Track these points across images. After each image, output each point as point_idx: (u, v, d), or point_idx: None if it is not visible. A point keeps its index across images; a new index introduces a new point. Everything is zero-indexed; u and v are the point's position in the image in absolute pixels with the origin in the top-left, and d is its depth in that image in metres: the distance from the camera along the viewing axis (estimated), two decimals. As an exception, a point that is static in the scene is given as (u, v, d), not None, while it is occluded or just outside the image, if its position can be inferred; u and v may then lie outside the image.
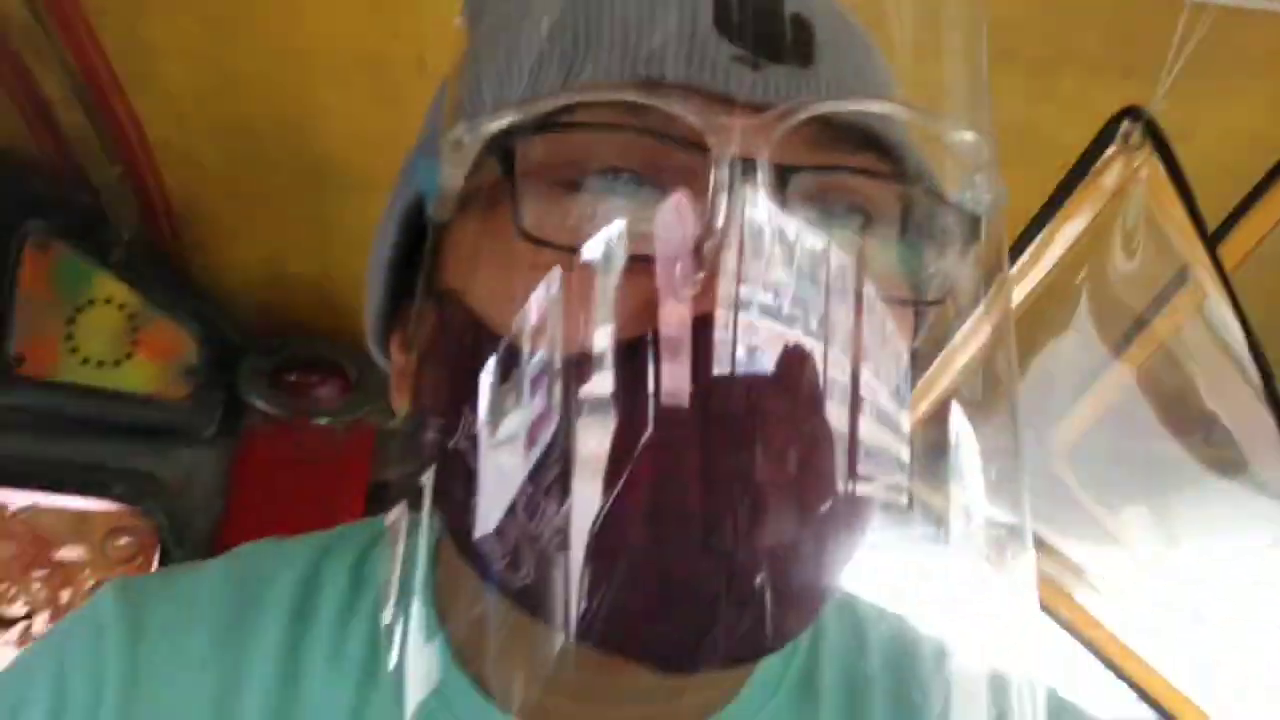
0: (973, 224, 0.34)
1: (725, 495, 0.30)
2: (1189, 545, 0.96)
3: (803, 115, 0.30)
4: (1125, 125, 0.77)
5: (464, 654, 0.41)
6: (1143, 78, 0.77)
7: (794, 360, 0.29)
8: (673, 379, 0.29)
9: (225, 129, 0.97)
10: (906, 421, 0.32)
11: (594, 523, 0.29)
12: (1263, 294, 0.85)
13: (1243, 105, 0.92)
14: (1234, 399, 0.88)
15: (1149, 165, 0.78)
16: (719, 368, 0.29)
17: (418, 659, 0.36)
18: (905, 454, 0.32)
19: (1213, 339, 0.88)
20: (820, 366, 0.30)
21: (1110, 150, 0.79)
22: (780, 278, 0.29)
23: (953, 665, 0.41)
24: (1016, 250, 0.88)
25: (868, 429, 0.31)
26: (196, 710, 0.41)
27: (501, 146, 0.32)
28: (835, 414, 0.30)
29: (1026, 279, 0.89)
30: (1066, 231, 0.85)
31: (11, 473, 1.09)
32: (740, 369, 0.29)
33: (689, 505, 0.30)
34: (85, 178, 1.01)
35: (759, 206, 0.29)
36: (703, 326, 0.29)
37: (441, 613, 0.41)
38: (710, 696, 0.41)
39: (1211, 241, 0.83)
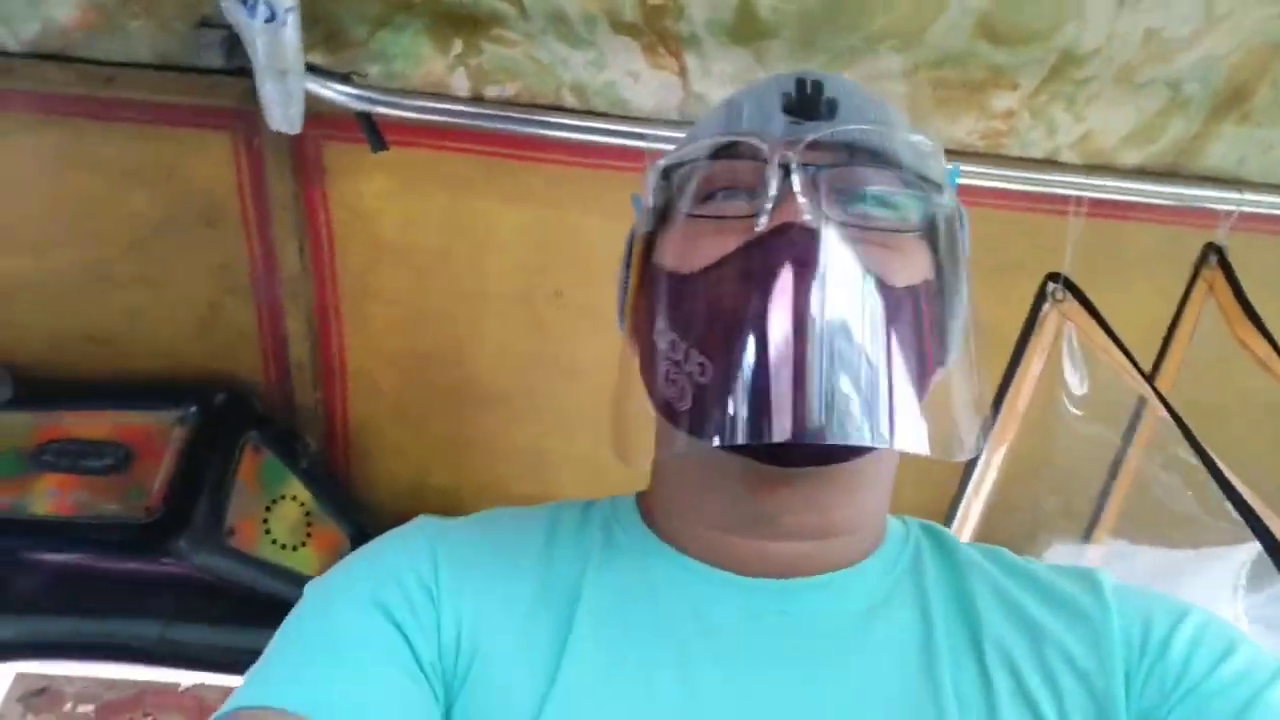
0: (934, 190, 0.57)
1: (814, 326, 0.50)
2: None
3: (813, 136, 0.54)
4: (1051, 285, 1.13)
5: (657, 520, 0.61)
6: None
7: (823, 245, 0.51)
8: (771, 262, 0.51)
9: (405, 356, 1.32)
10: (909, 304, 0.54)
11: (745, 345, 0.50)
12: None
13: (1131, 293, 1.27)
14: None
15: (1076, 314, 1.13)
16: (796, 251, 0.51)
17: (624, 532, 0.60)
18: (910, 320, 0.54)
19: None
20: (839, 251, 0.52)
21: (1045, 307, 1.14)
22: (805, 207, 0.52)
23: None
24: (995, 404, 1.19)
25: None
26: (494, 579, 0.57)
27: (670, 174, 0.60)
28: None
29: (1010, 426, 1.19)
30: (1029, 375, 1.17)
31: (188, 658, 1.29)
32: (806, 254, 0.51)
33: (793, 330, 0.50)
34: (291, 400, 1.34)
35: (793, 185, 0.53)
36: (781, 232, 0.52)
37: (646, 514, 0.62)
38: (847, 549, 0.58)
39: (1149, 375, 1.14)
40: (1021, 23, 1.00)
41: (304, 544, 1.32)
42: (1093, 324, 1.10)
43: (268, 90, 0.94)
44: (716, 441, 0.50)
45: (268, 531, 1.29)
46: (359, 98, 1.03)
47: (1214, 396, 1.24)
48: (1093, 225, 1.15)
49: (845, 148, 0.55)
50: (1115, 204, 1.14)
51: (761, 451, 0.53)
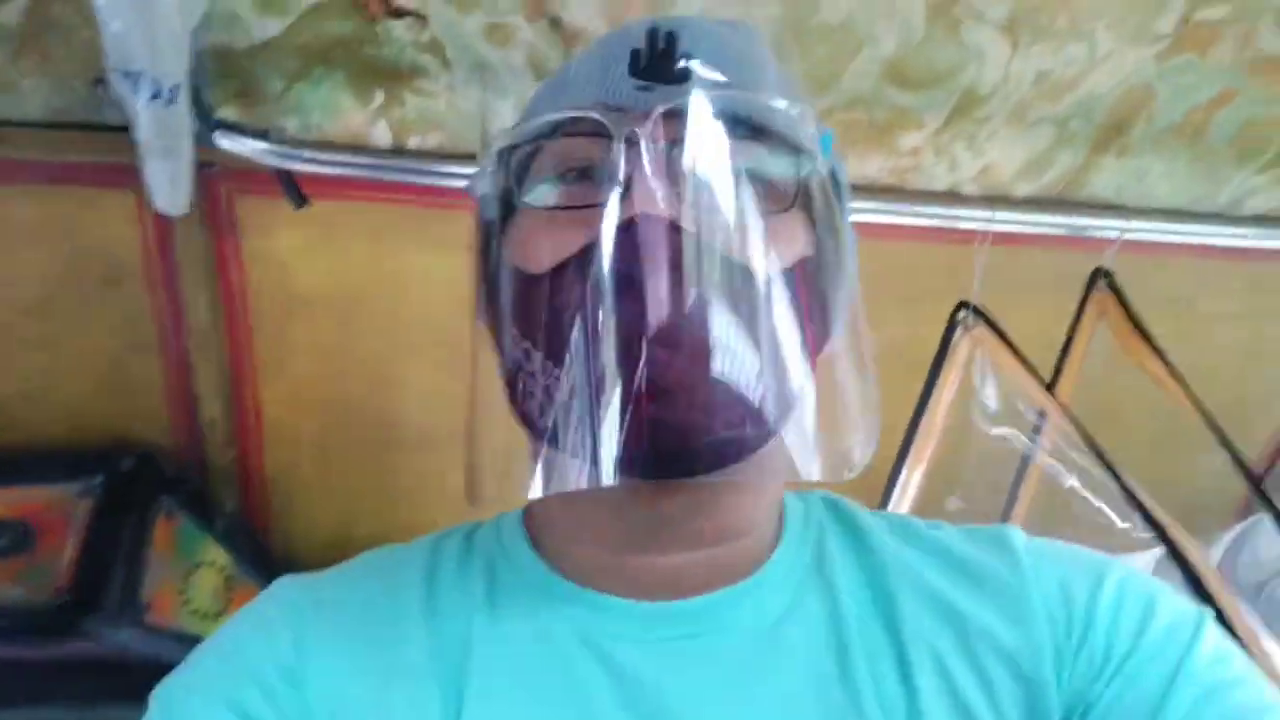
0: (794, 154, 0.49)
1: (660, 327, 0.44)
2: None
3: (663, 107, 0.46)
4: (962, 313, 1.20)
5: (543, 542, 0.54)
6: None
7: (680, 239, 0.45)
8: (619, 261, 0.45)
9: (326, 405, 1.28)
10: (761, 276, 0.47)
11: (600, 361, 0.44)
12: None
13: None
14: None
15: (985, 338, 1.20)
16: (642, 250, 0.44)
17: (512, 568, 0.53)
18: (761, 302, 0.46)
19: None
20: (697, 244, 0.45)
21: (957, 332, 1.21)
22: (659, 195, 0.45)
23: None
24: (912, 426, 1.25)
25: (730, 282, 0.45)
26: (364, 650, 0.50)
27: (505, 157, 0.52)
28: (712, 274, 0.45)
29: (926, 444, 1.25)
30: (944, 398, 1.23)
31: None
32: (652, 250, 0.44)
33: (641, 334, 0.44)
34: (204, 459, 1.28)
35: (643, 167, 0.46)
36: (630, 227, 0.45)
37: (533, 535, 0.55)
38: (746, 552, 0.52)
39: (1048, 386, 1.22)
40: (926, 66, 1.06)
41: (225, 610, 1.27)
42: (1000, 345, 1.17)
43: (153, 170, 0.88)
44: (574, 477, 0.46)
45: (186, 601, 1.23)
46: (276, 154, 1.00)
47: (1103, 401, 1.33)
48: (992, 252, 1.22)
49: (704, 117, 0.48)
50: (1011, 233, 1.21)
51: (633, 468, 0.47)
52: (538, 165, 0.51)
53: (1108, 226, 1.19)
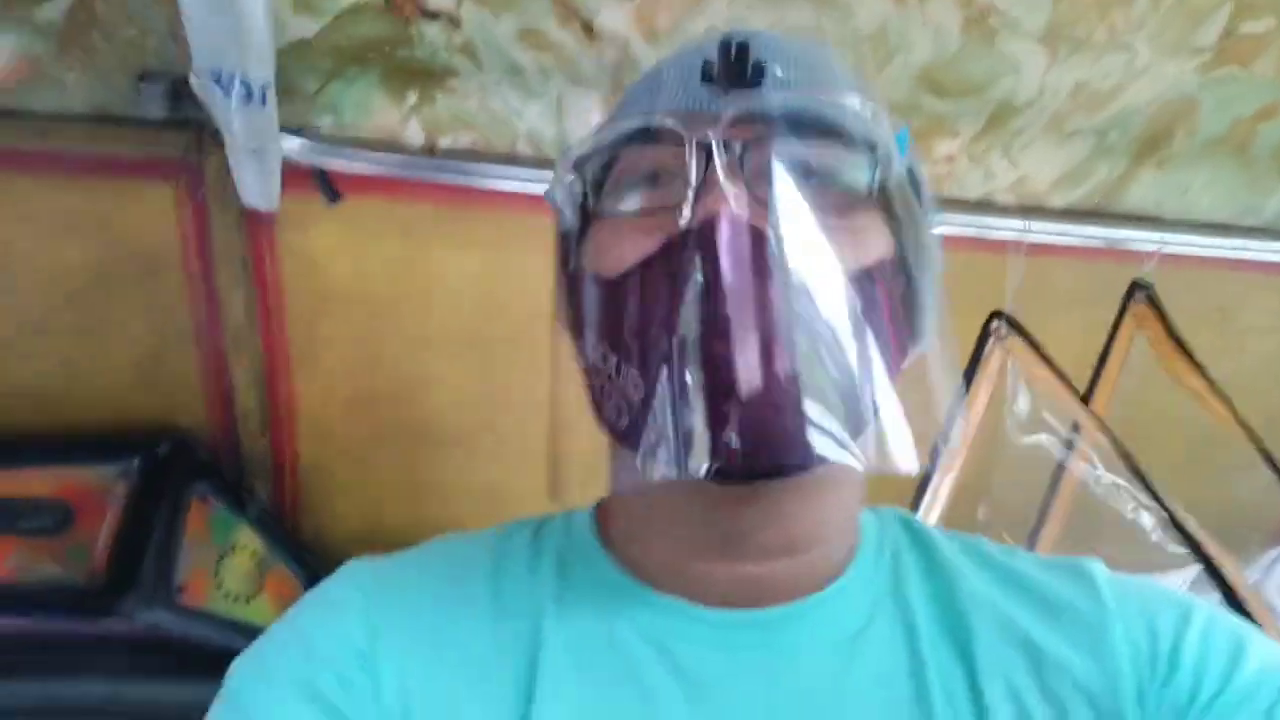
0: (869, 153, 0.49)
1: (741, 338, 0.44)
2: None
3: (734, 111, 0.47)
4: (995, 324, 1.18)
5: (615, 544, 0.54)
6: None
7: (755, 238, 0.45)
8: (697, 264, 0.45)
9: (357, 400, 1.31)
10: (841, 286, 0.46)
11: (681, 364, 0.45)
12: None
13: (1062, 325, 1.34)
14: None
15: (1019, 348, 1.18)
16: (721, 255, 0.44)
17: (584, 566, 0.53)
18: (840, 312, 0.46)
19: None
20: (775, 244, 0.45)
21: (990, 343, 1.19)
22: (731, 195, 0.45)
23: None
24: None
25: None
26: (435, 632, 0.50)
27: (581, 167, 0.53)
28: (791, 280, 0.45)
29: (958, 454, 1.23)
30: (976, 408, 1.22)
31: (142, 717, 1.25)
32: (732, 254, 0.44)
33: (726, 348, 0.44)
34: (238, 448, 1.31)
35: (715, 170, 0.46)
36: (705, 227, 0.45)
37: (605, 535, 0.55)
38: (822, 564, 0.52)
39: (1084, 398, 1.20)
40: (962, 76, 1.04)
41: (257, 594, 1.30)
42: (1033, 356, 1.16)
43: (244, 169, 0.91)
44: (658, 471, 0.46)
45: (219, 584, 1.26)
46: (311, 150, 1.02)
47: (1138, 416, 1.31)
48: (1028, 263, 1.20)
49: (777, 119, 0.48)
50: (1047, 244, 1.20)
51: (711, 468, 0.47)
52: (614, 174, 0.52)
53: (1145, 239, 1.17)
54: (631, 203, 0.51)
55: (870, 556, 0.54)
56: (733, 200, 0.46)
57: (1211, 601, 1.11)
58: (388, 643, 0.50)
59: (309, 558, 1.37)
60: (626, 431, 0.48)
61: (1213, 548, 0.99)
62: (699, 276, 0.45)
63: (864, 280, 0.48)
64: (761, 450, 0.45)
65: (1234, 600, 0.98)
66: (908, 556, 0.55)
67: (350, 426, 1.33)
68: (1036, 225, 1.17)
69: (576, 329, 0.53)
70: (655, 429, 0.46)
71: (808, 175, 0.47)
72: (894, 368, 0.49)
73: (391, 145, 1.06)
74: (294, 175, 1.05)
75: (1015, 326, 1.17)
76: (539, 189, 1.08)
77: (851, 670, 0.49)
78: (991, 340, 1.19)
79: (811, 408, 0.45)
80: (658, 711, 0.48)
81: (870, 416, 0.47)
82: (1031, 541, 1.25)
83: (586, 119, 1.06)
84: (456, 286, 1.21)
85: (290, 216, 1.13)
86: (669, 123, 0.49)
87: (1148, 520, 1.14)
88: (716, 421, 0.44)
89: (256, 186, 0.94)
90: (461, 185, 1.10)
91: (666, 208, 0.48)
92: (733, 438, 0.44)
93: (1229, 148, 1.14)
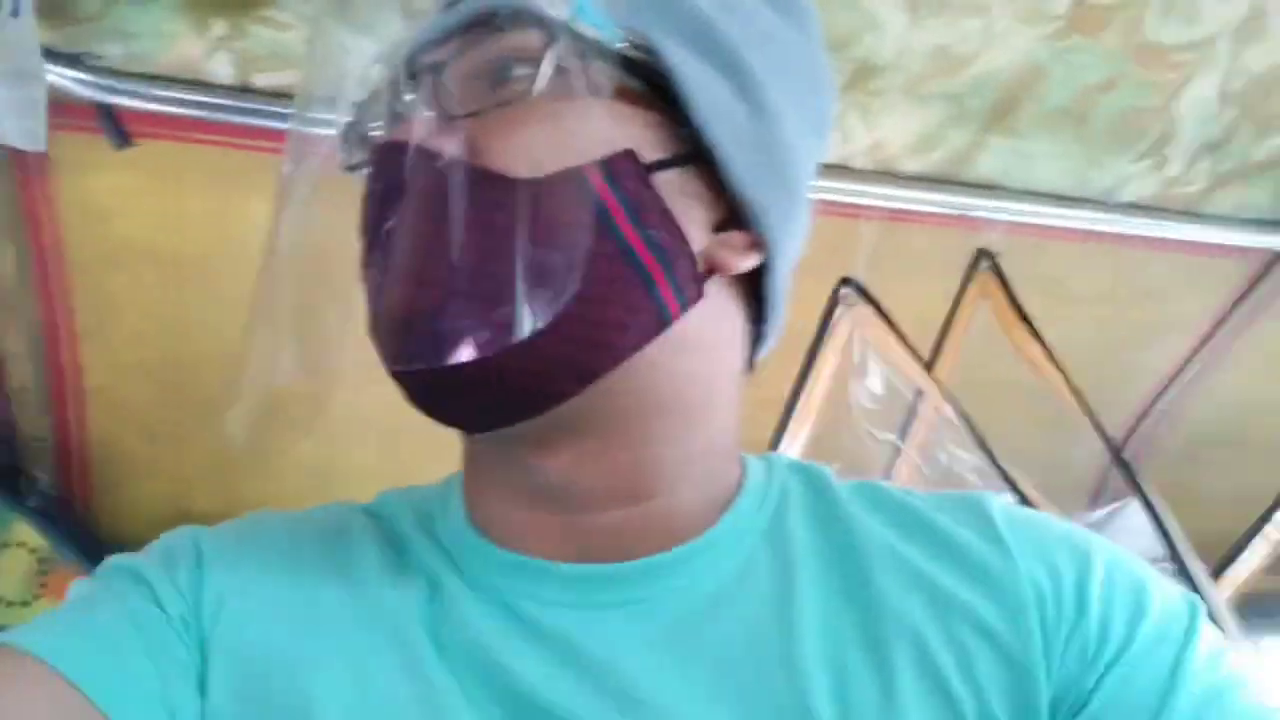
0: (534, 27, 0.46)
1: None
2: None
3: (427, 38, 0.48)
4: (843, 290, 1.17)
5: (474, 508, 0.52)
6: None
7: (409, 156, 0.45)
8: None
9: (156, 369, 1.15)
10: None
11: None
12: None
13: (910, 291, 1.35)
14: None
15: (866, 316, 1.18)
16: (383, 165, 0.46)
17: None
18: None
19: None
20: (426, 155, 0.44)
21: (838, 310, 1.18)
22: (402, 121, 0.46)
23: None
24: (792, 400, 1.22)
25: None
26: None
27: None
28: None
29: (805, 419, 1.23)
30: (824, 374, 1.21)
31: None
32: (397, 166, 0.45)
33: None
34: (13, 430, 1.13)
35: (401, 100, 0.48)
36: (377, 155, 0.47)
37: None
38: (680, 515, 0.49)
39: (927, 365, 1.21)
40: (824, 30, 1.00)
41: (37, 598, 1.13)
42: (881, 324, 1.15)
43: (2, 99, 0.75)
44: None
45: (-9, 588, 1.09)
46: (93, 85, 0.86)
47: (979, 380, 1.35)
48: (877, 229, 1.20)
49: (466, 29, 0.47)
50: (899, 210, 1.19)
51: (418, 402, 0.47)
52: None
53: (993, 207, 1.18)
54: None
55: (752, 503, 0.51)
56: (402, 126, 0.46)
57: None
58: (219, 577, 0.49)
59: (103, 553, 1.21)
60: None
61: (1047, 509, 1.02)
62: (369, 200, 0.47)
63: (545, 183, 0.44)
64: (401, 353, 0.45)
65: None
66: (796, 503, 0.52)
67: (151, 400, 1.18)
68: (889, 191, 1.16)
69: None
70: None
71: (477, 78, 0.46)
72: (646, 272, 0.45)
73: (196, 82, 0.91)
74: (74, 111, 0.89)
75: (864, 293, 1.16)
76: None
77: (718, 623, 0.47)
78: (840, 307, 1.17)
79: (459, 323, 0.44)
80: (510, 677, 0.45)
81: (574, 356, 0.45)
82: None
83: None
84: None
85: (71, 160, 0.97)
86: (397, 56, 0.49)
87: (985, 483, 1.17)
88: (377, 327, 0.47)
89: (18, 121, 0.78)
90: (282, 130, 0.97)
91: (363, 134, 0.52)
92: (388, 342, 0.46)
93: (1071, 119, 1.16)
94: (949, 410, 1.16)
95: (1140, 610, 0.47)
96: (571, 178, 0.44)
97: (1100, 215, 1.24)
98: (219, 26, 0.89)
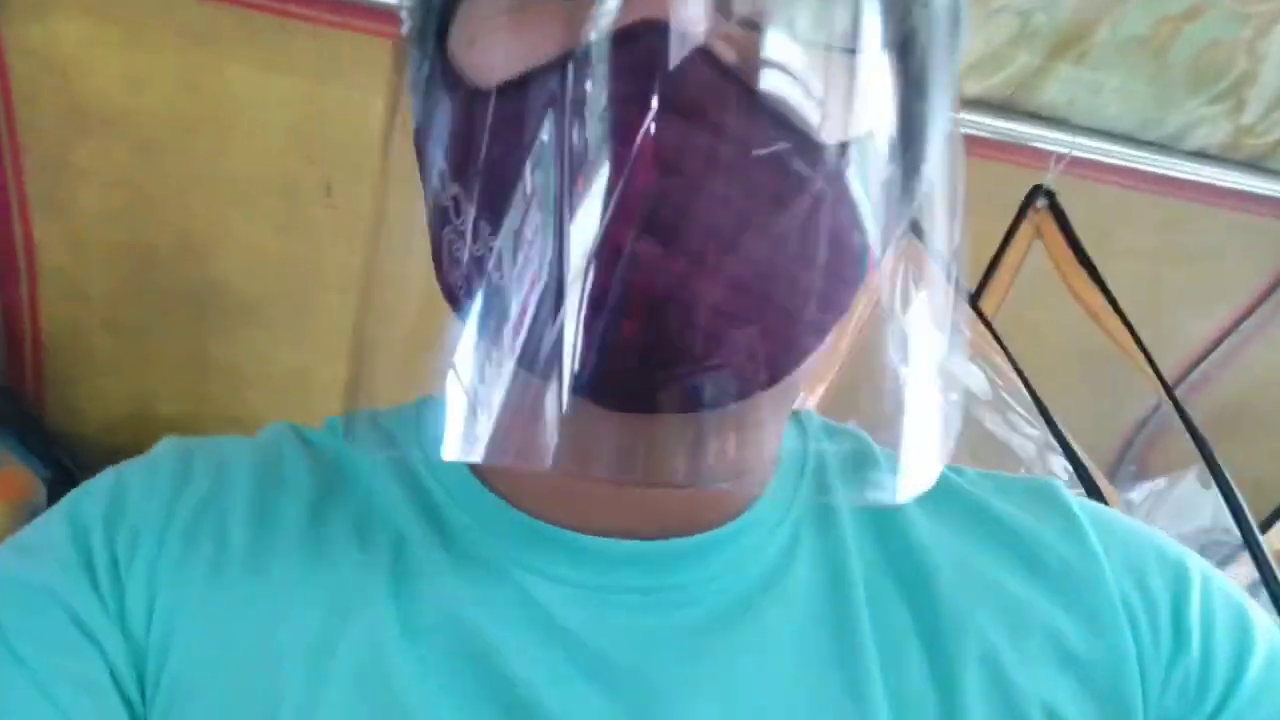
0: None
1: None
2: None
3: None
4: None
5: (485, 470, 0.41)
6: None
7: (712, 70, 0.31)
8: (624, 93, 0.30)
9: (122, 253, 1.04)
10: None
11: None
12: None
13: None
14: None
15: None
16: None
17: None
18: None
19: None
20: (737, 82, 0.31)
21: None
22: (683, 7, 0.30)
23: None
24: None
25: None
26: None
27: None
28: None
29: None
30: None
31: None
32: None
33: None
34: (-42, 307, 1.02)
35: None
36: (630, 38, 0.30)
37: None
38: (724, 499, 0.41)
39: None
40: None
41: (-17, 495, 1.03)
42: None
43: None
44: (508, 367, 0.33)
45: (-75, 481, 0.99)
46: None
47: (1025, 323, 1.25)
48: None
49: None
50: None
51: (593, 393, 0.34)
52: None
53: (1053, 139, 1.07)
54: None
55: (789, 477, 0.43)
56: (679, 5, 0.30)
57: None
58: (162, 594, 0.38)
59: (56, 452, 1.11)
60: (472, 309, 0.33)
61: (1098, 473, 0.93)
62: (611, 110, 0.31)
63: (839, 156, 0.34)
64: (654, 382, 0.33)
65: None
66: (836, 477, 0.44)
67: (114, 287, 1.07)
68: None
69: (423, 158, 0.38)
70: (513, 318, 0.32)
71: None
72: (853, 286, 0.36)
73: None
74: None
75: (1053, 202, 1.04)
76: (375, -1, 0.85)
77: (761, 625, 0.39)
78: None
79: (741, 338, 0.33)
80: (504, 679, 0.37)
81: (815, 345, 0.35)
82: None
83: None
84: (260, 118, 0.95)
85: (24, 2, 0.84)
86: None
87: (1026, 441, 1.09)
88: (602, 336, 0.31)
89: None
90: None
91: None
92: (615, 362, 0.32)
93: (1148, 51, 1.05)
94: (990, 348, 1.06)
95: (1246, 642, 0.41)
96: (864, 152, 0.34)
97: (1165, 159, 1.14)
98: None
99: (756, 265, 0.32)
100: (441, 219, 0.35)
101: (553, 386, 0.32)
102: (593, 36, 0.31)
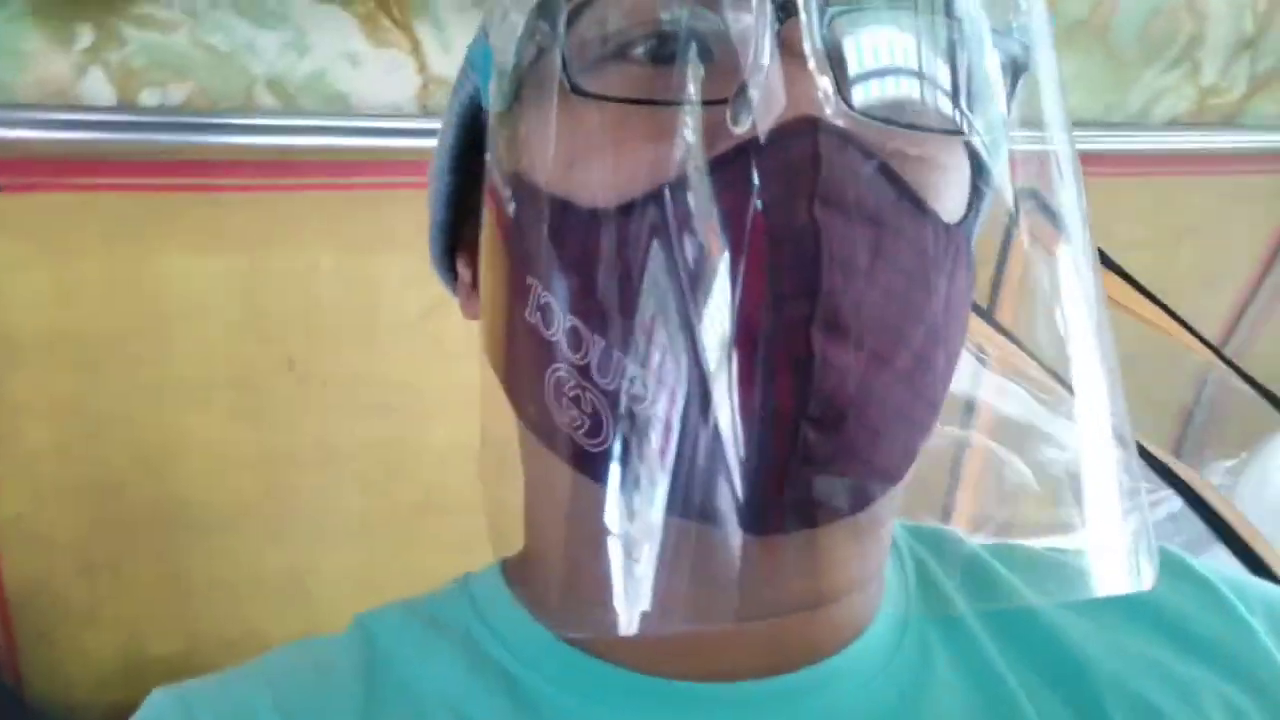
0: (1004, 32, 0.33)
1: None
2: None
3: None
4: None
5: (551, 611, 0.37)
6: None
7: (865, 167, 0.29)
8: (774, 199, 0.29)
9: (83, 486, 0.95)
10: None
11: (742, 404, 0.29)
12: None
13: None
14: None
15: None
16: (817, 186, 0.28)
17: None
18: None
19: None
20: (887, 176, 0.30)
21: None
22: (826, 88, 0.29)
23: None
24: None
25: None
26: None
27: (548, 7, 0.32)
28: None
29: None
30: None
31: None
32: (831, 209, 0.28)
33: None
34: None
35: (802, 45, 0.29)
36: (789, 139, 0.28)
37: (532, 599, 0.39)
38: (852, 611, 0.38)
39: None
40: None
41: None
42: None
43: None
44: (675, 514, 0.29)
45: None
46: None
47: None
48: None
49: None
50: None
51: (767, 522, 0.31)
52: (590, 26, 0.32)
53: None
54: (629, 81, 0.31)
55: (893, 579, 0.41)
56: (825, 100, 0.29)
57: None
58: None
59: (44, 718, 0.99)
60: (605, 455, 0.30)
61: (1181, 469, 0.84)
62: (783, 215, 0.28)
63: (957, 238, 0.33)
64: (833, 493, 0.30)
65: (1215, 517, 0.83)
66: (938, 577, 0.41)
67: (79, 527, 0.97)
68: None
69: (505, 284, 0.35)
70: (668, 458, 0.29)
71: (951, 64, 0.32)
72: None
73: (68, 107, 0.74)
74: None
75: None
76: (307, 141, 0.80)
77: None
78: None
79: (903, 435, 0.32)
80: None
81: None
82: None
83: (345, 44, 0.79)
84: (202, 305, 0.89)
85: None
86: None
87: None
88: (795, 455, 0.29)
89: None
90: (189, 161, 0.80)
91: (708, 102, 0.30)
92: (817, 483, 0.30)
93: (1094, 31, 1.03)
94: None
95: None
96: (960, 234, 0.33)
97: (1137, 134, 1.11)
98: (85, 34, 0.72)
99: (918, 357, 0.31)
100: (546, 357, 0.32)
101: (729, 526, 0.29)
102: (734, 141, 0.29)
